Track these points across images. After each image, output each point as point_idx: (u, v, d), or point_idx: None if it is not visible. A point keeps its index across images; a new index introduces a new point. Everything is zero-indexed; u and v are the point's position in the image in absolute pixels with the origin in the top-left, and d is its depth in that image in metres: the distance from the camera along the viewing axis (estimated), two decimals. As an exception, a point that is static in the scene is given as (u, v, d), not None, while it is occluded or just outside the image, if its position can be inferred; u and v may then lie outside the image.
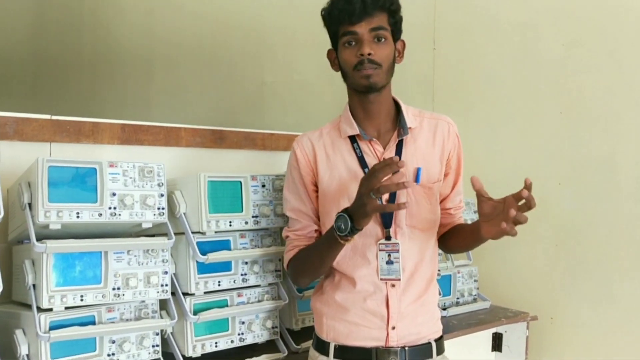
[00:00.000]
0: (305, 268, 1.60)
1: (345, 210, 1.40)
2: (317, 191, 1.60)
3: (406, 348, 1.51)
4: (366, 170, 1.51)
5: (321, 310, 1.59)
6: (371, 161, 1.53)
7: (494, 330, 2.39)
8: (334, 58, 1.56)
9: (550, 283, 2.49)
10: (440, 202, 1.63)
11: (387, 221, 1.52)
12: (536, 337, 2.43)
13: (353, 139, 1.56)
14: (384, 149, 1.54)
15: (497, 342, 2.40)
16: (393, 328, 1.51)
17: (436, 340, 1.58)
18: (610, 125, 2.35)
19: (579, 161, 2.42)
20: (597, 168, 2.37)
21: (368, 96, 1.51)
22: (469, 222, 1.76)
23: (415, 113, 1.59)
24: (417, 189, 1.53)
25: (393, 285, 1.51)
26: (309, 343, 1.67)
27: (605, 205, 2.36)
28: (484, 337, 2.37)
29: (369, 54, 1.44)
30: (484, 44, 2.69)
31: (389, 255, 1.51)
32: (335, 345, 1.54)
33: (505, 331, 2.39)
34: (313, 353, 1.61)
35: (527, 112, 2.56)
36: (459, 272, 2.39)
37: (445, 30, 2.82)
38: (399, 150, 1.53)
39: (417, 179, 1.52)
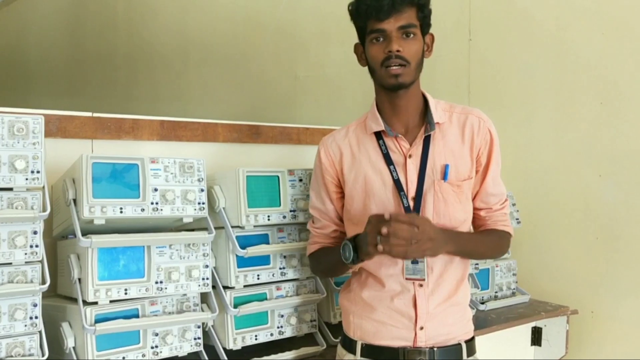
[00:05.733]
0: (320, 268, 1.69)
1: (353, 239, 1.43)
2: (339, 192, 1.59)
3: (435, 349, 1.48)
4: (391, 167, 1.49)
5: (348, 308, 1.58)
6: (397, 158, 1.50)
7: (533, 324, 2.36)
8: (361, 52, 1.52)
9: (590, 276, 2.44)
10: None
11: None
12: (576, 332, 2.39)
13: (379, 135, 1.53)
14: (411, 145, 1.50)
15: (536, 336, 2.38)
16: (421, 328, 1.48)
17: (467, 342, 1.54)
18: (653, 115, 2.29)
19: (619, 153, 2.36)
20: (638, 159, 2.32)
21: (396, 93, 1.48)
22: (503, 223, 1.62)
23: (445, 108, 1.54)
24: (445, 187, 1.48)
25: (421, 285, 1.48)
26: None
27: (647, 197, 2.31)
28: (523, 331, 2.35)
29: (398, 51, 1.40)
30: (520, 33, 2.65)
31: None
32: (362, 344, 1.53)
33: (545, 325, 2.35)
34: (341, 351, 1.60)
35: (566, 103, 2.51)
36: (497, 266, 2.36)
37: (481, 20, 2.78)
38: (426, 146, 1.49)
39: (445, 176, 1.48)
